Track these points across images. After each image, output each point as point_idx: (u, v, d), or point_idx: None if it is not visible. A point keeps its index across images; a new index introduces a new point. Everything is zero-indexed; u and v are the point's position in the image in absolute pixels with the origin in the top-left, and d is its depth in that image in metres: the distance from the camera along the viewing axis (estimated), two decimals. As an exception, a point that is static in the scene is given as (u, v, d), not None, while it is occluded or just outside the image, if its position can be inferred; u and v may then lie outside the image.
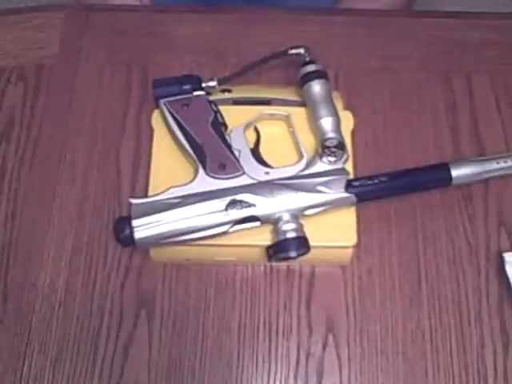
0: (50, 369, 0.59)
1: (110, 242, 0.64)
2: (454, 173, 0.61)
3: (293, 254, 0.57)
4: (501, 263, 0.62)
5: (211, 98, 0.63)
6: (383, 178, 0.60)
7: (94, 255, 0.64)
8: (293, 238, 0.57)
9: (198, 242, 0.58)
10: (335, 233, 0.59)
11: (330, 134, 0.61)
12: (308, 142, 0.62)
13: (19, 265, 0.63)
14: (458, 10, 0.76)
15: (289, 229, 0.57)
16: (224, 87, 0.64)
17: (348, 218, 0.60)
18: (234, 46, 0.69)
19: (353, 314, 0.61)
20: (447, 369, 0.59)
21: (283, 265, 0.63)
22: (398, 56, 0.73)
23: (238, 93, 0.64)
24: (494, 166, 0.61)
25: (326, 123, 0.61)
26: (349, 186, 0.59)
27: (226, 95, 0.64)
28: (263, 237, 0.59)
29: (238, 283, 0.62)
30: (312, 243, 0.57)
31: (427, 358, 0.59)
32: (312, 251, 0.57)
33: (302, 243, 0.57)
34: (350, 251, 0.61)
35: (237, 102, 0.64)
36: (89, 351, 0.60)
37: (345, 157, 0.60)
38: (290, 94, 0.65)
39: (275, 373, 0.59)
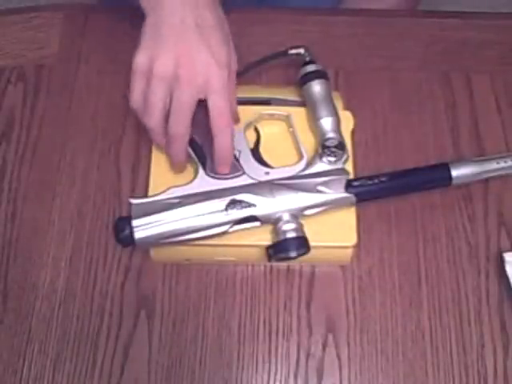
0: (50, 369, 0.59)
1: (110, 242, 0.64)
2: (454, 173, 0.61)
3: (293, 254, 0.57)
4: (501, 263, 0.62)
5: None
6: (383, 178, 0.60)
7: (94, 255, 0.64)
8: (293, 238, 0.57)
9: (198, 242, 0.58)
10: (335, 233, 0.59)
11: (330, 134, 0.61)
12: (308, 142, 0.62)
13: (19, 265, 0.63)
14: (458, 10, 0.76)
15: (289, 229, 0.57)
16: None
17: (348, 218, 0.60)
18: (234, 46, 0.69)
19: (353, 314, 0.61)
20: (447, 369, 0.59)
21: (283, 265, 0.63)
22: (398, 56, 0.73)
23: (238, 93, 0.64)
24: (493, 165, 0.61)
25: (326, 123, 0.61)
26: (349, 186, 0.59)
27: (226, 95, 0.64)
28: (263, 237, 0.59)
29: (238, 283, 0.62)
30: (312, 243, 0.57)
31: (427, 358, 0.59)
32: (312, 251, 0.57)
33: (302, 243, 0.57)
34: (349, 251, 0.61)
35: (237, 102, 0.64)
36: (89, 351, 0.60)
37: (345, 157, 0.60)
38: (289, 94, 0.65)
39: (275, 373, 0.59)
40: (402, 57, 0.73)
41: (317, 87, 0.62)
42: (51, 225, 0.65)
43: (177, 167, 0.60)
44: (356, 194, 0.59)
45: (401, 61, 0.73)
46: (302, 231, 0.57)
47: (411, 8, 0.89)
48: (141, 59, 0.56)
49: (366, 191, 0.59)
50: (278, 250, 0.57)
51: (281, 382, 0.59)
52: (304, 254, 0.57)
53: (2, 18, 0.77)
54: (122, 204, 0.65)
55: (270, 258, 0.58)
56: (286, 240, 0.57)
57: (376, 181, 0.60)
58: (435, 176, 0.62)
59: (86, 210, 0.65)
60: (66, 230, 0.65)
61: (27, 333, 0.61)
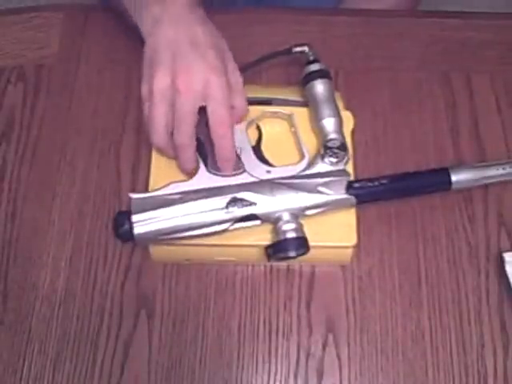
0: (50, 369, 0.59)
1: (110, 241, 0.64)
2: (454, 178, 0.61)
3: (292, 253, 0.57)
4: (501, 263, 0.62)
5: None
6: (384, 181, 0.60)
7: (94, 255, 0.64)
8: (292, 238, 0.57)
9: (198, 242, 0.58)
10: (335, 233, 0.59)
11: (332, 135, 0.61)
12: (310, 142, 0.62)
13: (19, 265, 0.63)
14: (458, 10, 0.76)
15: (288, 229, 0.57)
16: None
17: (348, 218, 0.60)
18: (233, 47, 0.69)
19: (353, 314, 0.61)
20: (447, 369, 0.59)
21: (283, 265, 0.63)
22: (398, 56, 0.73)
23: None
24: (494, 172, 0.62)
25: (329, 124, 0.61)
26: (349, 187, 0.59)
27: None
28: (263, 237, 0.59)
29: (238, 283, 0.62)
30: (312, 243, 0.57)
31: (427, 358, 0.59)
32: (312, 251, 0.57)
33: (301, 243, 0.57)
34: (350, 251, 0.61)
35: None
36: (89, 351, 0.60)
37: (346, 158, 0.60)
38: (291, 94, 0.65)
39: (275, 373, 0.59)
40: (401, 57, 0.73)
41: (320, 87, 0.62)
42: (51, 225, 0.65)
43: (187, 173, 0.60)
44: (356, 196, 0.59)
45: (401, 61, 0.73)
46: (302, 231, 0.57)
47: (411, 8, 0.89)
48: (144, 86, 0.57)
49: (367, 193, 0.59)
50: (277, 249, 0.57)
51: (281, 382, 0.59)
52: (303, 254, 0.57)
53: (2, 18, 0.77)
54: (122, 204, 0.65)
55: (269, 257, 0.58)
56: (286, 240, 0.57)
57: (376, 183, 0.60)
58: (435, 180, 0.62)
59: (86, 210, 0.65)
60: (66, 230, 0.65)
61: (27, 333, 0.61)
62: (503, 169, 0.61)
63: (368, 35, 0.74)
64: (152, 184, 0.60)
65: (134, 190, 0.66)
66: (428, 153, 0.68)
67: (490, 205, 0.65)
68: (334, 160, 0.60)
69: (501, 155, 0.67)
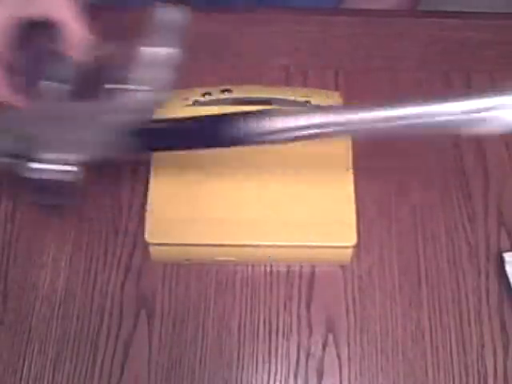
0: (50, 369, 0.59)
1: (110, 241, 0.64)
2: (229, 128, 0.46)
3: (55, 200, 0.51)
4: (501, 263, 0.62)
5: (211, 98, 0.63)
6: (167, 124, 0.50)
7: (94, 255, 0.64)
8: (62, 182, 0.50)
9: (198, 242, 0.58)
10: (335, 233, 0.59)
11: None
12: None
13: (19, 265, 0.63)
14: (458, 10, 0.76)
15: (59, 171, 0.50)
16: (224, 87, 0.64)
17: (348, 218, 0.60)
18: (234, 46, 0.69)
19: (353, 314, 0.61)
20: (447, 369, 0.59)
21: (283, 265, 0.63)
22: (398, 56, 0.73)
23: (238, 93, 0.65)
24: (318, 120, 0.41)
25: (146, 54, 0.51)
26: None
27: (226, 95, 0.64)
28: (264, 237, 0.59)
29: (238, 283, 0.62)
30: (312, 243, 0.57)
31: (427, 358, 0.59)
32: (312, 251, 0.57)
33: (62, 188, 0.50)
34: (350, 251, 0.61)
35: (237, 102, 0.64)
36: (89, 351, 0.60)
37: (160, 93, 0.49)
38: (290, 94, 0.65)
39: (275, 373, 0.59)
40: (401, 57, 0.73)
41: (164, 13, 0.53)
42: (51, 225, 0.65)
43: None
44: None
45: (401, 61, 0.73)
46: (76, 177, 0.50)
47: (411, 8, 0.89)
48: None
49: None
50: (36, 190, 0.51)
51: (281, 382, 0.59)
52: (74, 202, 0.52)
53: (2, 18, 0.77)
54: (122, 203, 0.65)
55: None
56: (53, 182, 0.50)
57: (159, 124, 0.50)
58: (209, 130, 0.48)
59: (85, 210, 0.65)
60: (65, 230, 0.65)
61: (27, 333, 0.61)
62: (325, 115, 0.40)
63: (368, 35, 0.74)
64: (152, 183, 0.60)
65: (133, 190, 0.66)
66: (428, 153, 0.68)
67: (490, 204, 0.65)
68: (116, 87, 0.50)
69: (501, 155, 0.67)
